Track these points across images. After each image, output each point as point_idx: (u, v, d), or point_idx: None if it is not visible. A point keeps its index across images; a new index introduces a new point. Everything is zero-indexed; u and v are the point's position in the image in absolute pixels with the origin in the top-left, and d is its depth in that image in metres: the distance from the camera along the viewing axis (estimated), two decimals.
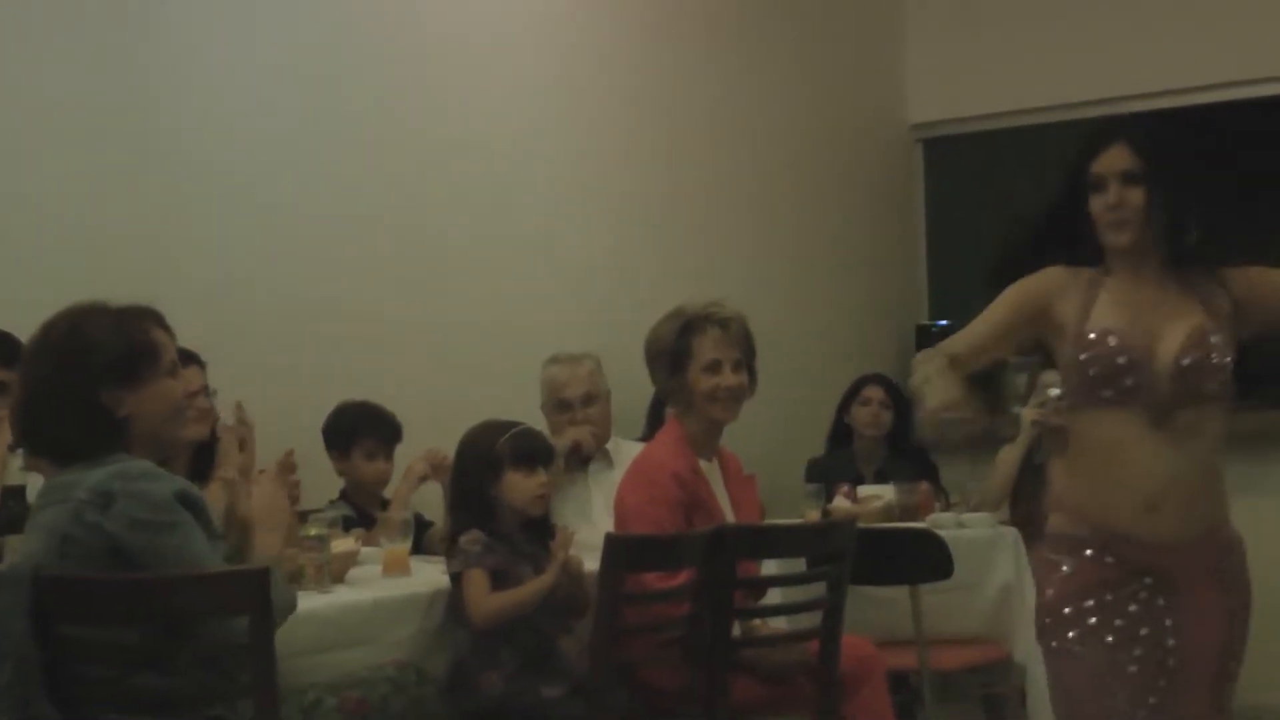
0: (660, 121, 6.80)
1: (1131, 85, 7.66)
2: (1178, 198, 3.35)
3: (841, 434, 6.62)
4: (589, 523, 5.43)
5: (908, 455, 6.45)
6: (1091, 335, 3.37)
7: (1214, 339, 3.32)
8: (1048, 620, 3.40)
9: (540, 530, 4.28)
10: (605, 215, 6.50)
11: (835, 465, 6.39)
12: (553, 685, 4.05)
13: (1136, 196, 3.34)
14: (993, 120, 8.13)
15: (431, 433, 5.02)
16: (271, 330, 5.18)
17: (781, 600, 4.58)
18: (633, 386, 5.42)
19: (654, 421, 5.73)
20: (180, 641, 3.24)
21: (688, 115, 6.94)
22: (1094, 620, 3.34)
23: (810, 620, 4.43)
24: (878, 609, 5.04)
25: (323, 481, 5.03)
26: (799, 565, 4.68)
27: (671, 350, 4.62)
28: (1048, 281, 3.47)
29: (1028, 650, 5.46)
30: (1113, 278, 3.41)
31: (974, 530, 5.59)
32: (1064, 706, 3.42)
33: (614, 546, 3.86)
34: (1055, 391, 6.00)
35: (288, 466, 3.65)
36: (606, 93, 6.55)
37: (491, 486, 4.18)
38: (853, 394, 6.60)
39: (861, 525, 4.81)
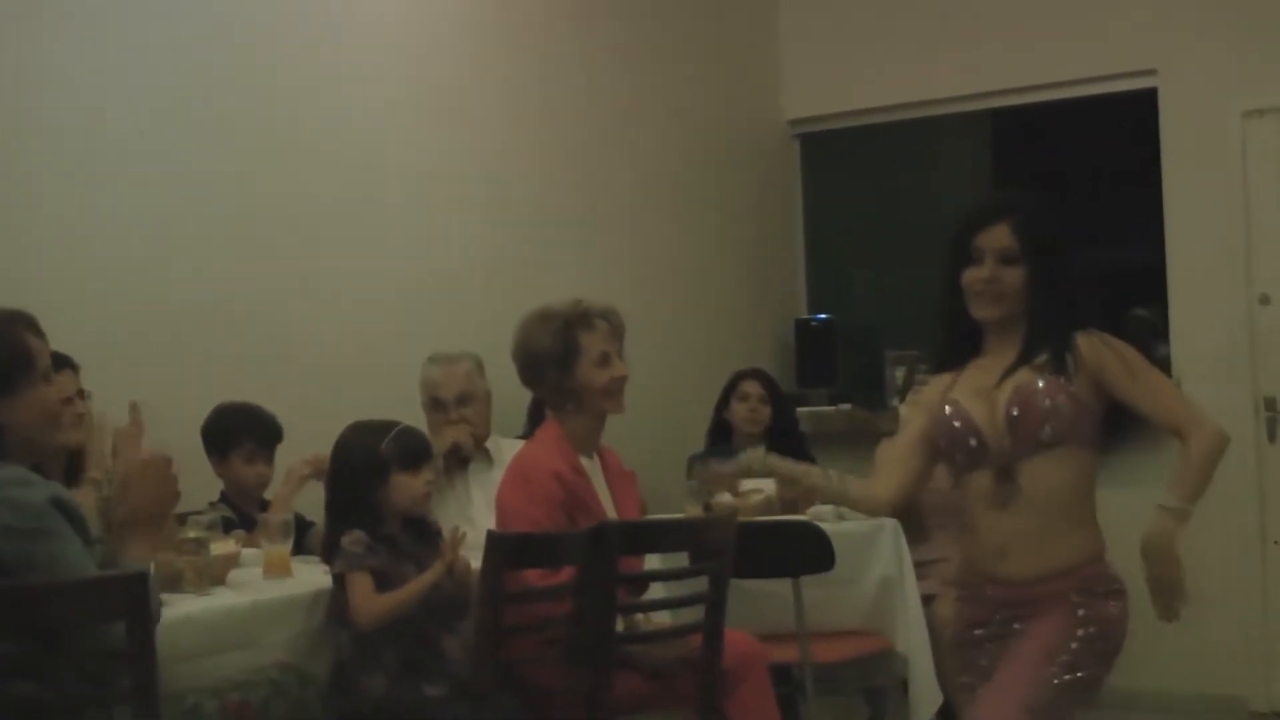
0: (536, 120, 6.79)
1: (1003, 80, 7.79)
2: (1049, 278, 3.58)
3: (721, 430, 6.64)
4: (469, 521, 5.40)
5: (788, 450, 6.48)
6: (938, 412, 3.66)
7: (1042, 384, 3.52)
8: (955, 652, 3.82)
9: (421, 529, 4.27)
10: (482, 214, 6.49)
11: (715, 461, 6.39)
12: (435, 685, 4.05)
13: (1012, 275, 3.58)
14: (870, 115, 8.21)
15: (312, 434, 4.98)
16: (148, 333, 5.12)
17: (664, 595, 4.59)
18: (513, 385, 5.41)
19: (535, 420, 5.72)
20: (56, 649, 3.21)
21: (563, 114, 6.93)
22: (973, 652, 3.69)
23: (693, 615, 4.45)
24: (760, 603, 5.07)
25: (202, 484, 4.98)
26: (682, 560, 4.69)
27: (558, 350, 4.61)
28: (927, 400, 3.77)
29: (909, 641, 5.54)
30: (979, 358, 3.69)
31: (854, 523, 5.63)
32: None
33: (495, 545, 3.86)
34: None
35: (163, 463, 3.60)
36: (481, 93, 6.53)
37: (377, 489, 4.16)
38: (731, 389, 6.62)
39: (743, 519, 4.84)
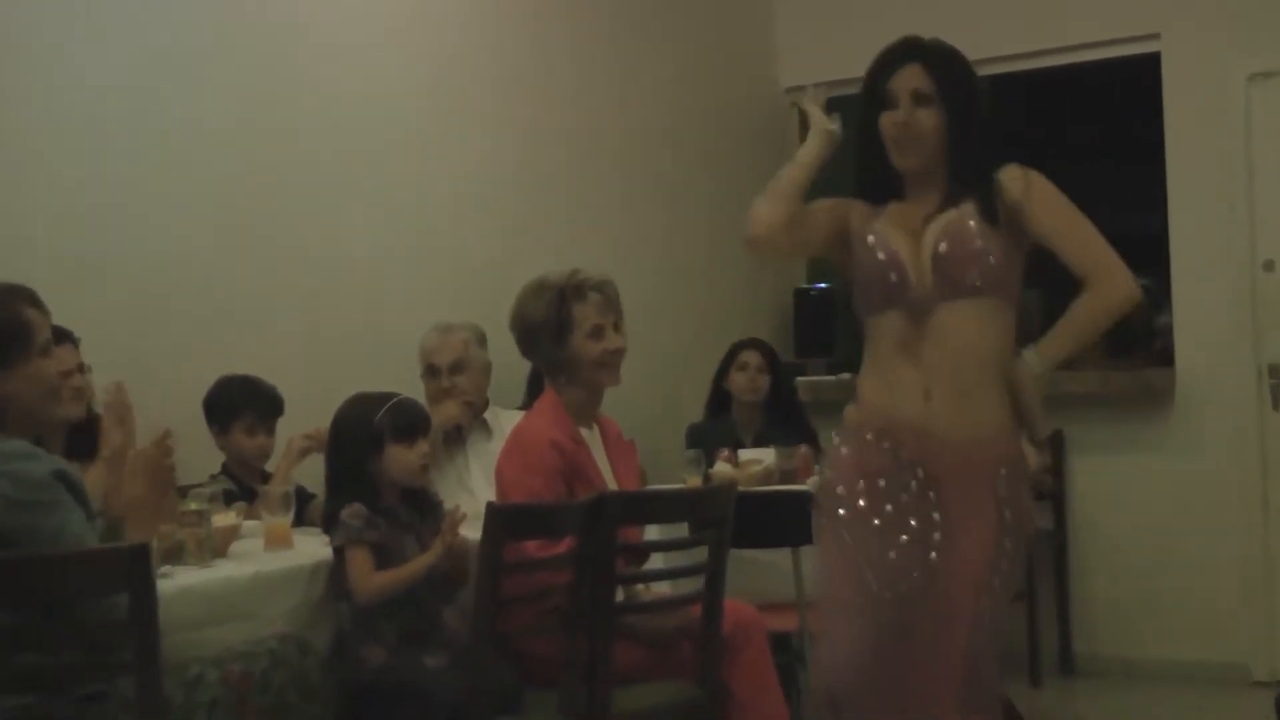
0: (531, 90, 6.78)
1: (1003, 45, 7.74)
2: (965, 119, 3.44)
3: (720, 400, 6.65)
4: (468, 492, 5.44)
5: (787, 419, 6.51)
6: (862, 241, 3.47)
7: (973, 224, 3.36)
8: (821, 499, 3.48)
9: (420, 501, 4.28)
10: (479, 186, 6.49)
11: (715, 431, 6.42)
12: (435, 656, 4.07)
13: (927, 117, 3.43)
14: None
15: (314, 407, 4.98)
16: (149, 306, 5.13)
17: (663, 565, 4.60)
18: (514, 356, 5.42)
19: (534, 391, 5.73)
20: (59, 620, 3.22)
21: (559, 84, 6.92)
22: (863, 503, 3.39)
23: (692, 585, 4.46)
24: (759, 572, 5.08)
25: (204, 456, 5.00)
26: (681, 531, 4.71)
27: (551, 321, 4.61)
28: (850, 203, 3.59)
29: None
30: (900, 201, 3.51)
31: None
32: (822, 582, 3.50)
33: (494, 516, 3.86)
34: None
35: (162, 450, 3.61)
36: (472, 62, 6.52)
37: (372, 461, 4.18)
38: (730, 359, 6.63)
39: (742, 489, 4.84)
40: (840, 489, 3.43)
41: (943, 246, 3.37)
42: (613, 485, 4.60)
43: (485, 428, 5.72)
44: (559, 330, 4.60)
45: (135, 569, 3.11)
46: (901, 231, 3.44)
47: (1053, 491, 7.38)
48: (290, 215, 5.66)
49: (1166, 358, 7.40)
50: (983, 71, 7.79)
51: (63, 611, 3.23)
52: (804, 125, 3.62)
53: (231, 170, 5.45)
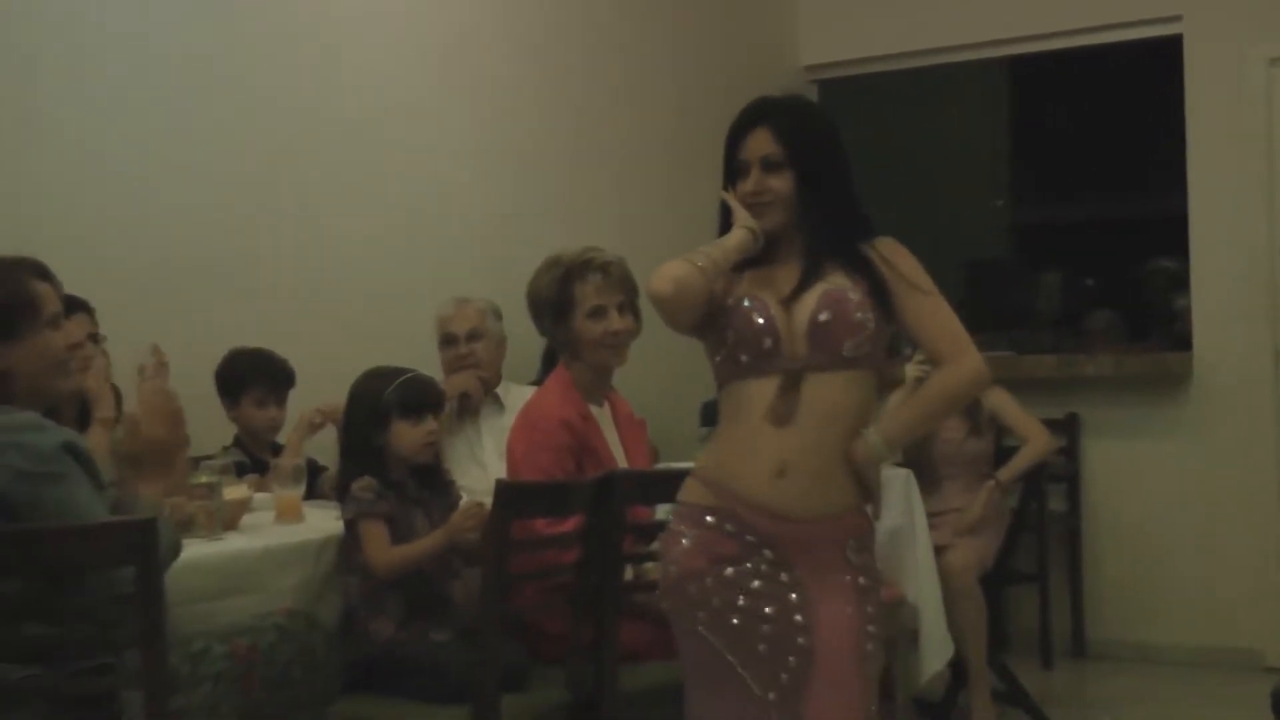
0: (543, 64, 6.76)
1: (1024, 26, 7.74)
2: (820, 181, 3.30)
3: None
4: (479, 466, 5.45)
5: None
6: (731, 303, 3.31)
7: (854, 296, 3.22)
8: (672, 603, 3.27)
9: (431, 477, 4.28)
10: (496, 161, 6.48)
11: None
12: (442, 631, 4.08)
13: (779, 182, 3.30)
14: (888, 61, 8.17)
15: (327, 380, 4.99)
16: (162, 278, 5.13)
17: None
18: (528, 332, 5.41)
19: (549, 367, 5.73)
20: (66, 592, 3.22)
21: (577, 60, 6.91)
22: (716, 601, 3.20)
23: None
24: None
25: (215, 429, 5.00)
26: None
27: (554, 300, 4.64)
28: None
29: (919, 592, 5.55)
30: (755, 267, 3.35)
31: None
32: (702, 698, 3.27)
33: (503, 493, 3.86)
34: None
35: (157, 362, 3.61)
36: (486, 35, 6.51)
37: (379, 435, 4.18)
38: None
39: None
40: (691, 588, 3.23)
41: (823, 316, 3.21)
42: (623, 463, 4.60)
43: (498, 402, 5.73)
44: (560, 309, 4.62)
45: (142, 541, 3.11)
46: (772, 297, 3.29)
47: (1067, 474, 7.37)
48: (303, 189, 5.65)
49: (1183, 341, 7.38)
50: (1004, 53, 7.99)
51: (70, 584, 3.23)
52: (723, 219, 3.44)
53: (243, 145, 5.45)
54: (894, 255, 3.28)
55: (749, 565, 3.20)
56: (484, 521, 4.00)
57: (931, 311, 3.27)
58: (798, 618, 3.18)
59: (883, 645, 3.32)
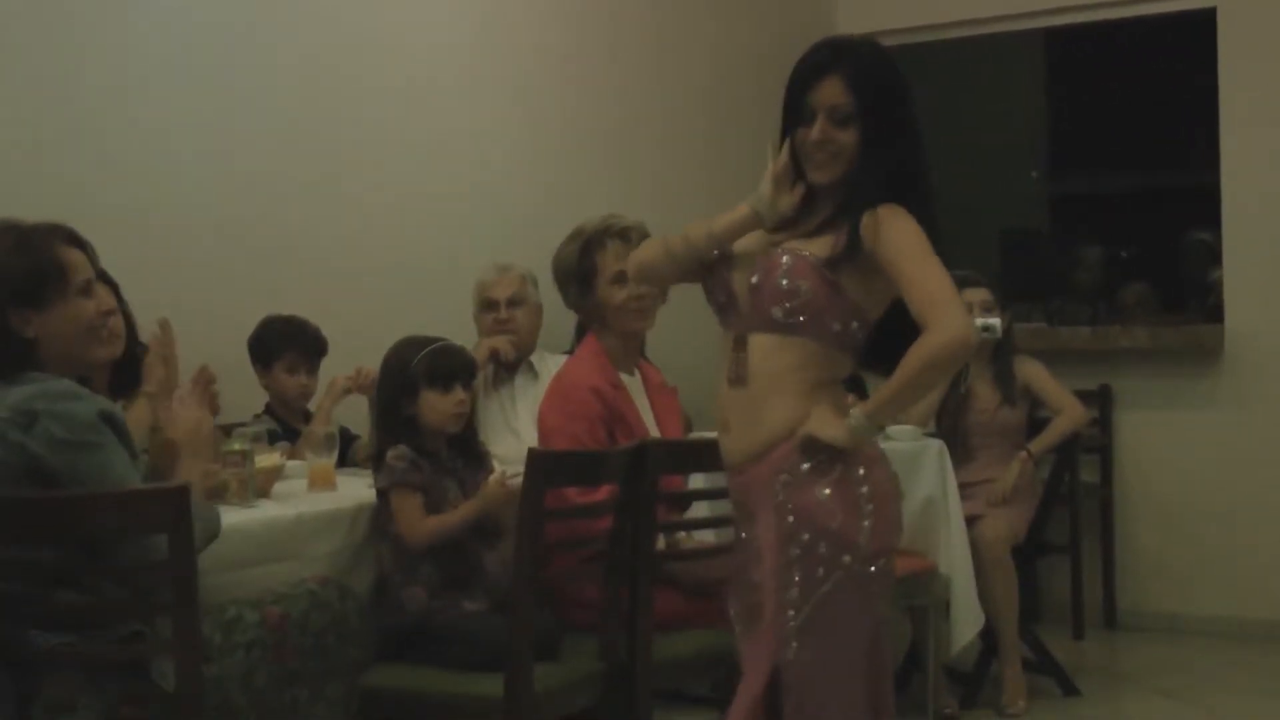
0: (585, 35, 6.75)
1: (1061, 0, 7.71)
2: (885, 140, 3.18)
3: None
4: (513, 434, 5.46)
5: None
6: (717, 253, 3.32)
7: (788, 260, 3.16)
8: None
9: (466, 445, 4.29)
10: (530, 132, 6.47)
11: None
12: (475, 600, 4.08)
13: (845, 135, 3.18)
14: (924, 32, 8.13)
15: (362, 348, 5.00)
16: (196, 246, 5.14)
17: (707, 514, 4.60)
18: (561, 302, 5.41)
19: (581, 337, 5.74)
20: (100, 559, 3.24)
21: (612, 29, 6.89)
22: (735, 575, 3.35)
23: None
24: None
25: (248, 397, 5.02)
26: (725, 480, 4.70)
27: (577, 269, 4.66)
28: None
29: (951, 562, 5.56)
30: (800, 218, 3.29)
31: (900, 442, 5.63)
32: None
33: (535, 462, 3.86)
34: (981, 322, 6.09)
35: (205, 379, 3.63)
36: (530, 3, 6.50)
37: (409, 405, 4.18)
38: None
39: None
40: (738, 534, 3.38)
41: (754, 279, 3.20)
42: (654, 432, 4.61)
43: (531, 370, 5.73)
44: (583, 277, 4.64)
45: (175, 509, 3.13)
46: (749, 253, 3.27)
47: (1099, 446, 7.36)
48: (336, 157, 5.65)
49: (1217, 313, 7.35)
50: (1041, 24, 7.97)
51: (104, 551, 3.24)
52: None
53: (276, 112, 5.45)
54: (880, 224, 3.12)
55: (740, 523, 3.31)
56: (513, 492, 4.02)
57: (912, 279, 3.08)
58: (754, 578, 3.24)
59: (826, 600, 3.13)
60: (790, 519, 3.13)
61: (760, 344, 3.21)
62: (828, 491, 3.11)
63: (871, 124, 3.17)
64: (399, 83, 5.91)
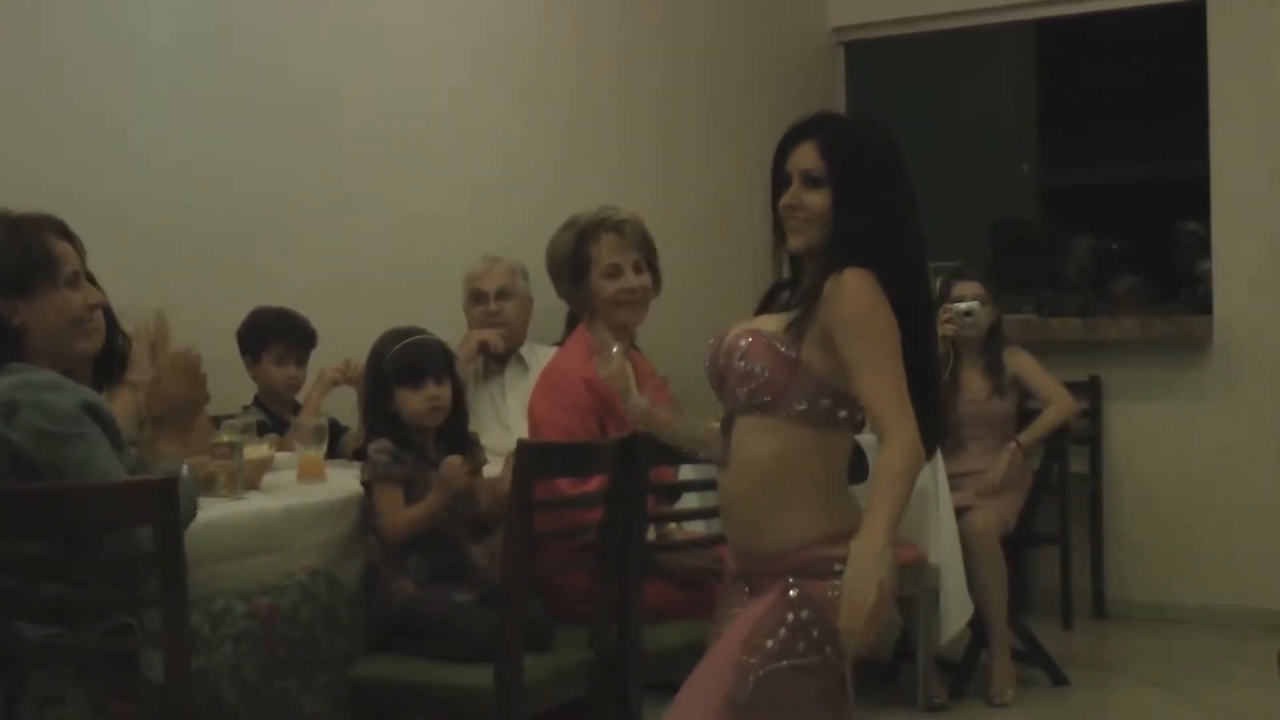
0: (575, 26, 6.75)
1: None
2: (856, 205, 3.11)
3: None
4: (504, 428, 5.45)
5: None
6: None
7: (746, 342, 3.12)
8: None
9: (455, 436, 4.29)
10: (522, 123, 6.47)
11: None
12: (464, 591, 4.09)
13: (816, 200, 3.13)
14: (916, 24, 8.14)
15: (352, 341, 5.00)
16: (186, 237, 5.13)
17: (698, 505, 4.61)
18: (553, 294, 5.41)
19: (572, 329, 5.75)
20: (85, 552, 3.24)
21: (603, 19, 6.89)
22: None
23: None
24: None
25: (237, 389, 5.02)
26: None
27: (570, 260, 4.67)
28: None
29: (941, 553, 5.57)
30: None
31: None
32: None
33: (525, 453, 3.87)
34: (962, 307, 6.12)
35: (189, 357, 3.61)
36: (529, 4, 6.50)
37: (387, 399, 4.19)
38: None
39: None
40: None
41: (720, 361, 3.17)
42: None
43: (521, 363, 5.73)
44: (576, 268, 4.64)
45: (161, 501, 3.13)
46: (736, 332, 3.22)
47: (1089, 437, 7.38)
48: (326, 149, 5.64)
49: (1207, 304, 7.37)
50: (1029, 16, 7.97)
51: (90, 544, 3.24)
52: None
53: (268, 105, 5.44)
54: (834, 296, 3.03)
55: (734, 601, 3.24)
56: (483, 488, 4.05)
57: (861, 370, 3.00)
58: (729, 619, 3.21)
59: (790, 671, 3.07)
60: (795, 594, 3.09)
61: (744, 426, 3.16)
62: (838, 595, 2.98)
63: (843, 189, 3.12)
64: (395, 77, 5.90)
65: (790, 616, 3.07)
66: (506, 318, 5.71)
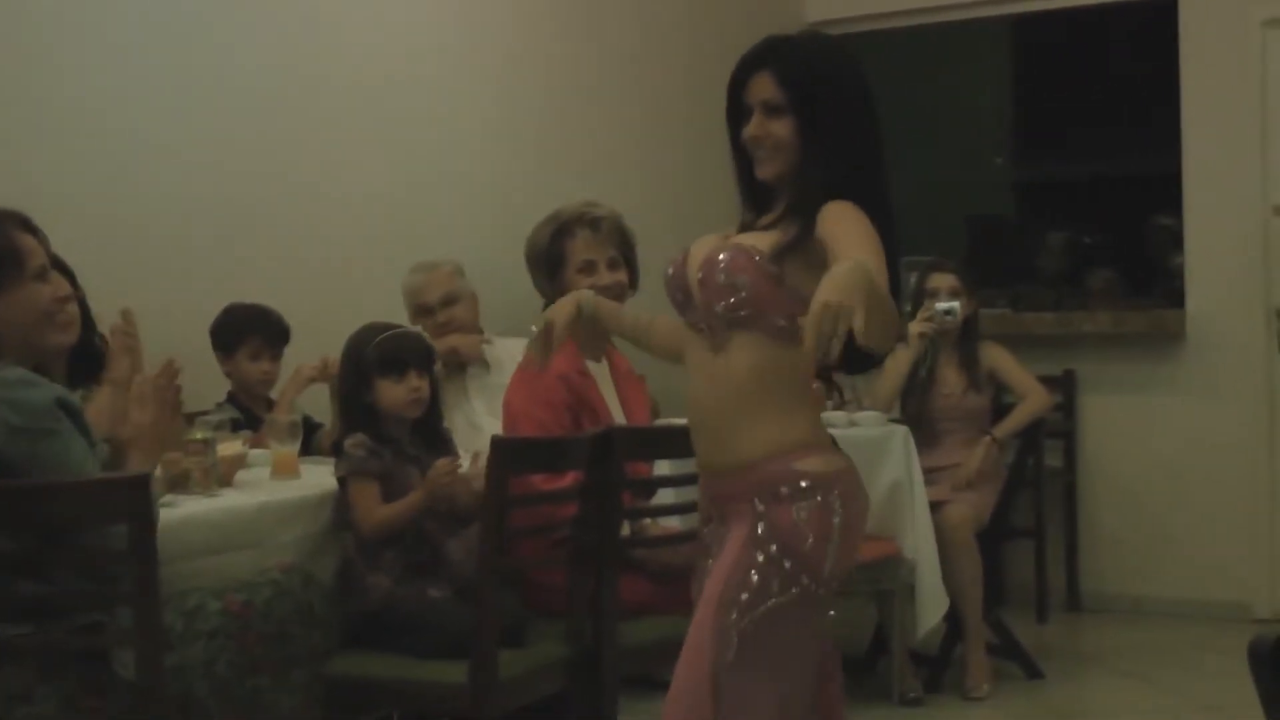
0: (552, 21, 6.75)
1: None
2: (822, 128, 3.10)
3: None
4: (473, 428, 5.43)
5: None
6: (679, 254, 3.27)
7: (725, 256, 3.08)
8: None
9: (430, 432, 4.28)
10: (498, 119, 6.46)
11: None
12: (439, 587, 4.08)
13: (780, 128, 3.12)
14: (892, 19, 8.16)
15: (327, 337, 4.99)
16: (158, 233, 5.12)
17: (673, 500, 4.61)
18: (529, 288, 5.41)
19: None
20: (58, 549, 3.23)
21: (587, 23, 6.89)
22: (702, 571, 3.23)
23: None
24: None
25: (210, 384, 5.01)
26: (692, 466, 4.70)
27: (547, 254, 4.67)
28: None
29: (916, 546, 5.59)
30: (762, 214, 3.22)
31: (865, 428, 5.67)
32: None
33: (500, 449, 3.86)
34: (943, 306, 6.15)
35: (169, 374, 3.57)
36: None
37: (367, 393, 4.18)
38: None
39: None
40: (704, 532, 3.28)
41: (700, 274, 3.12)
42: (621, 419, 4.61)
43: (483, 361, 5.69)
44: (551, 263, 4.64)
45: (135, 498, 3.12)
46: (704, 250, 3.19)
47: (1064, 431, 7.40)
48: (300, 145, 5.63)
49: (1180, 298, 7.40)
50: (1004, 12, 7.99)
51: (62, 540, 3.23)
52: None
53: (241, 101, 5.43)
54: (825, 218, 3.00)
55: (710, 520, 3.22)
56: (464, 482, 4.03)
57: (843, 235, 2.94)
58: (709, 563, 3.18)
59: (772, 613, 3.04)
60: (761, 527, 3.06)
61: (725, 340, 3.13)
62: (804, 516, 3.03)
63: (807, 115, 3.11)
64: (367, 73, 5.88)
65: (759, 557, 3.03)
66: (459, 323, 5.66)
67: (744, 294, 3.05)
